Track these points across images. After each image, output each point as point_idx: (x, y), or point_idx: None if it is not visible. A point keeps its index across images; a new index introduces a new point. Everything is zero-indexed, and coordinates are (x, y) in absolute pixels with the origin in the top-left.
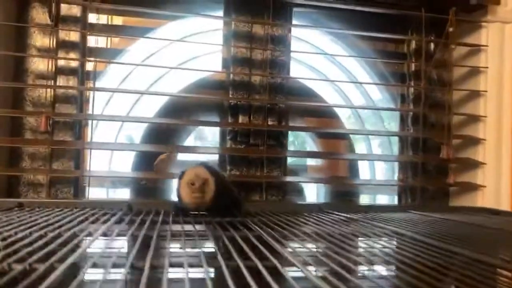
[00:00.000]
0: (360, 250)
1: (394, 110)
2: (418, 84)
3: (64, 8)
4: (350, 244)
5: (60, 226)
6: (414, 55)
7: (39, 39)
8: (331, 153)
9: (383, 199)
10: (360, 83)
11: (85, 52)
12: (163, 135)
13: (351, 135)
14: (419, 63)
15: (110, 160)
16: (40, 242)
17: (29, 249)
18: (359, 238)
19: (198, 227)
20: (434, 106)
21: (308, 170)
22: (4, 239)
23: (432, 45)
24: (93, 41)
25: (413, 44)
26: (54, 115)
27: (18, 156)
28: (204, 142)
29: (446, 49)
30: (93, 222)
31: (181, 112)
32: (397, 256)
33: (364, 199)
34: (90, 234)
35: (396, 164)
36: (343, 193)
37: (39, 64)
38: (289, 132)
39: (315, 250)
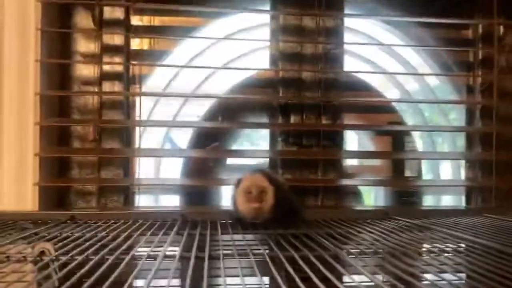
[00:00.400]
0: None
1: (462, 103)
2: (487, 73)
3: (107, 12)
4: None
5: (117, 247)
6: (481, 40)
7: (83, 45)
8: (392, 152)
9: (448, 200)
10: (422, 74)
11: (129, 55)
12: (211, 139)
13: (412, 132)
14: (489, 49)
15: (157, 166)
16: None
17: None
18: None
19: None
20: (503, 97)
21: (365, 172)
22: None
23: (501, 29)
24: (136, 44)
25: (479, 29)
26: (101, 122)
27: (67, 165)
28: (254, 145)
29: None
30: (150, 242)
31: (229, 114)
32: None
33: (428, 200)
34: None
35: (461, 162)
36: (404, 195)
37: (84, 70)
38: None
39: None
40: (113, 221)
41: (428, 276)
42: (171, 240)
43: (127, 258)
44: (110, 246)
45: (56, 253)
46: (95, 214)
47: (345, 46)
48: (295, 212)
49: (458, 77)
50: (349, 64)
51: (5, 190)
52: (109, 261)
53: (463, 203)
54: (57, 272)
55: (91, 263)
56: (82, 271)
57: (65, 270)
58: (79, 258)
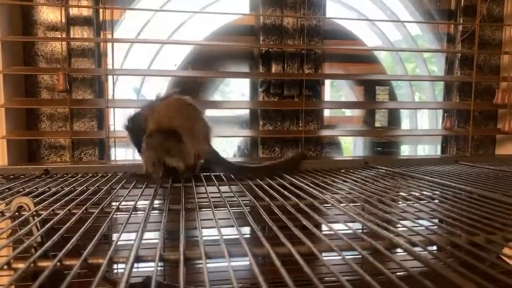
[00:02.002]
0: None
1: (442, 51)
2: (468, 21)
3: None
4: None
5: (100, 201)
6: None
7: None
8: (373, 102)
9: (425, 150)
10: (404, 21)
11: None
12: (188, 89)
13: (392, 82)
14: None
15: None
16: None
17: None
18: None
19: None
20: (483, 46)
21: (345, 122)
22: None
23: None
24: None
25: None
26: (71, 71)
27: (37, 118)
28: (234, 95)
29: None
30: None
31: (207, 63)
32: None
33: (405, 151)
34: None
35: (439, 112)
36: (382, 145)
37: (48, 14)
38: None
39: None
40: (90, 175)
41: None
42: (155, 193)
43: (113, 212)
44: (92, 200)
45: (36, 208)
46: (71, 168)
47: None
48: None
49: (439, 26)
50: (332, 12)
51: None
52: (94, 215)
53: (439, 153)
54: (38, 228)
55: (74, 217)
56: (67, 225)
57: (48, 225)
58: (61, 212)
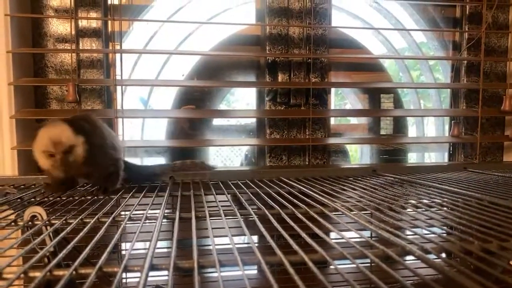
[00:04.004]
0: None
1: (450, 59)
2: (474, 29)
3: None
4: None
5: (111, 210)
6: None
7: None
8: (380, 110)
9: (432, 157)
10: (410, 30)
11: (108, 10)
12: (196, 99)
13: (398, 90)
14: (478, 3)
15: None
16: None
17: None
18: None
19: None
20: (489, 53)
21: (350, 130)
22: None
23: None
24: None
25: None
26: (81, 82)
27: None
28: (239, 104)
29: None
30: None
31: (214, 73)
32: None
33: (412, 158)
34: None
35: (445, 119)
36: (388, 152)
37: (58, 26)
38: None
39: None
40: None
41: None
42: (166, 201)
43: (125, 221)
44: (104, 210)
45: (48, 218)
46: None
47: (333, 2)
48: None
49: (444, 33)
50: (337, 21)
51: None
52: (106, 224)
53: (446, 160)
54: (51, 238)
55: (86, 227)
56: (80, 235)
57: (61, 234)
58: (74, 222)
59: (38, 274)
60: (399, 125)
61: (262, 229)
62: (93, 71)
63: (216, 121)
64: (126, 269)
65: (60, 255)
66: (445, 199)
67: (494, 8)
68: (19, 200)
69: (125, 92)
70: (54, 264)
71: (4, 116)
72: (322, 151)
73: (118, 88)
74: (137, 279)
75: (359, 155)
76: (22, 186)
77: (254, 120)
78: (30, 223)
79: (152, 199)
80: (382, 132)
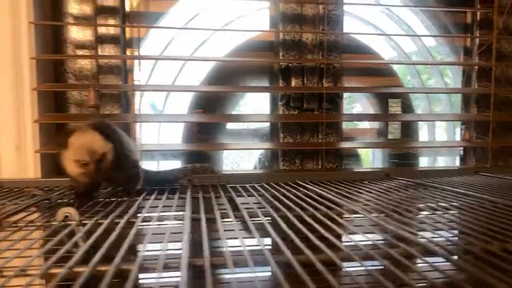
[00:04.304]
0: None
1: (460, 64)
2: (485, 34)
3: None
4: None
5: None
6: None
7: (76, 6)
8: (392, 114)
9: (443, 162)
10: (422, 35)
11: (125, 17)
12: (210, 104)
13: (409, 94)
14: (488, 9)
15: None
16: None
17: None
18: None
19: None
20: (500, 59)
21: (361, 134)
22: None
23: None
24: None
25: None
26: (102, 87)
27: (64, 133)
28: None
29: None
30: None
31: (228, 78)
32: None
33: (423, 163)
34: None
35: (456, 124)
36: (399, 157)
37: (78, 33)
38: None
39: None
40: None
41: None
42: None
43: (154, 222)
44: (130, 211)
45: (80, 218)
46: None
47: (345, 8)
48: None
49: (455, 39)
50: (349, 27)
51: (5, 158)
52: (136, 224)
53: (457, 165)
54: (84, 238)
55: (118, 227)
56: (112, 236)
57: (95, 234)
58: (105, 222)
59: (61, 270)
60: (409, 130)
61: (291, 233)
62: (111, 76)
63: (230, 125)
64: (141, 268)
65: (101, 250)
66: (461, 202)
67: (505, 14)
68: (46, 201)
69: (142, 97)
70: (97, 261)
71: (27, 120)
72: (334, 155)
73: (136, 93)
74: (177, 278)
75: (370, 159)
76: (46, 188)
77: (266, 124)
78: (63, 223)
79: (175, 201)
80: (390, 136)
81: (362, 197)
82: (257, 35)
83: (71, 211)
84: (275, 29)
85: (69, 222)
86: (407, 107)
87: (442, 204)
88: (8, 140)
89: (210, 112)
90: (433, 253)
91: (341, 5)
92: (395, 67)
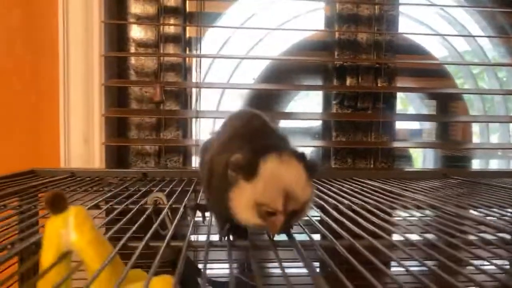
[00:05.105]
0: None
1: None
2: None
3: None
4: None
5: None
6: None
7: (140, 7)
8: (447, 115)
9: (495, 164)
10: (477, 36)
11: (186, 17)
12: (264, 102)
13: (464, 96)
14: None
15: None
16: None
17: None
18: None
19: None
20: None
21: (413, 135)
22: None
23: None
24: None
25: None
26: (166, 84)
27: (125, 127)
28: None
29: None
30: None
31: (283, 77)
32: None
33: (475, 165)
34: None
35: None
36: (451, 159)
37: (141, 32)
38: None
39: None
40: (176, 180)
41: None
42: None
43: None
44: None
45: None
46: (165, 172)
47: (400, 9)
48: None
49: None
50: (404, 27)
51: (75, 150)
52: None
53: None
54: (170, 218)
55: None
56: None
57: (178, 216)
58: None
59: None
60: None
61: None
62: (172, 74)
63: (283, 123)
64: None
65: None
66: None
67: None
68: (125, 189)
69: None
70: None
71: (96, 114)
72: (387, 155)
73: (194, 90)
74: None
75: (421, 160)
76: (116, 177)
77: (318, 123)
78: (155, 207)
79: None
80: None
81: (432, 194)
82: (312, 35)
83: (160, 195)
84: (330, 28)
85: (160, 206)
86: (464, 110)
87: None
88: (78, 133)
89: (264, 110)
90: None
91: (397, 6)
92: (450, 69)
